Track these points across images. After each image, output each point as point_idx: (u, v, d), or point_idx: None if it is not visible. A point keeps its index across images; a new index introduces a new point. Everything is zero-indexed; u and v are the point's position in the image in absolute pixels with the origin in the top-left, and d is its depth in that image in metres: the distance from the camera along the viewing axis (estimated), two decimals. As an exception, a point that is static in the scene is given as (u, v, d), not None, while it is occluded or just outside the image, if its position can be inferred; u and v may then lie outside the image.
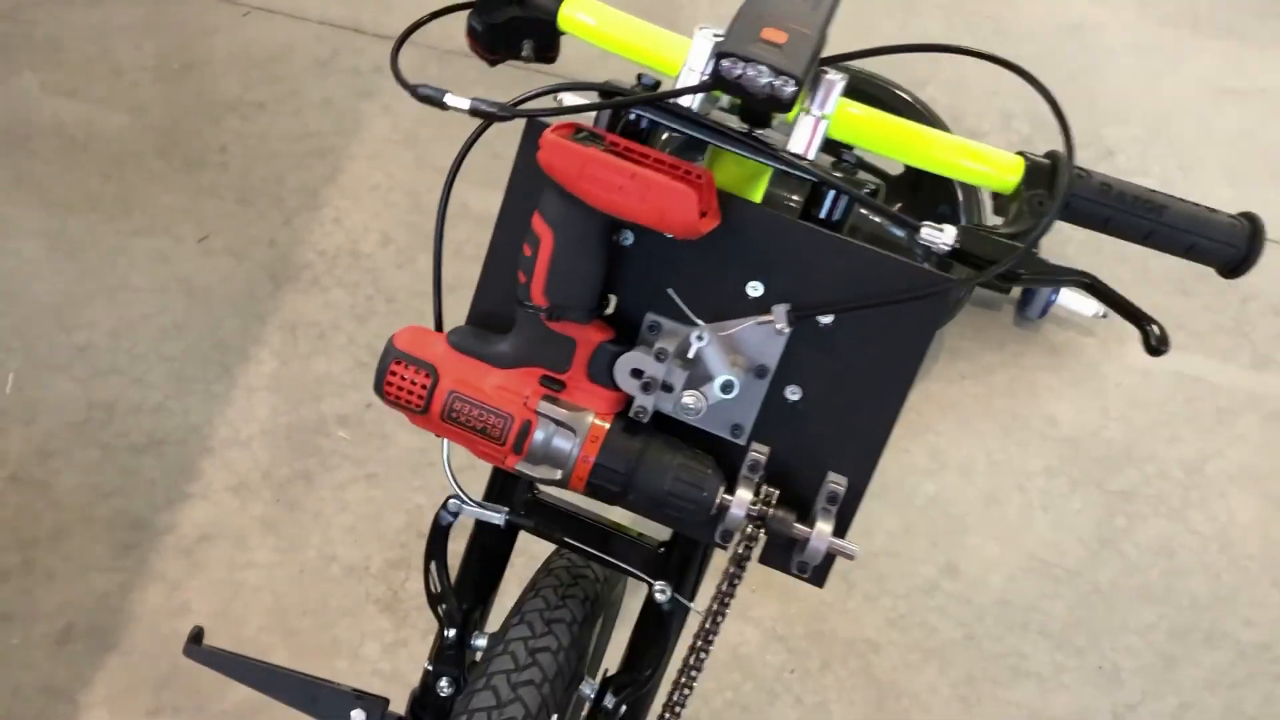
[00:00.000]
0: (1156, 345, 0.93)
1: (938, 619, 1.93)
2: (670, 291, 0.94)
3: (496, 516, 1.08)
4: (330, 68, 2.68)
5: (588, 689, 1.14)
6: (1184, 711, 1.88)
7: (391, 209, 2.38)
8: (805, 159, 0.93)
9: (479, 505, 1.08)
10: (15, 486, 1.95)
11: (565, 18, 1.00)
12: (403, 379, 0.96)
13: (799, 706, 1.83)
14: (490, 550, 1.13)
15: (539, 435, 0.94)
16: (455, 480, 1.05)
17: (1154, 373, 2.28)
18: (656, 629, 1.08)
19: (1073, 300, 2.23)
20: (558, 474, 0.95)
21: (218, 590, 1.87)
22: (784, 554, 1.00)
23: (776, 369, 0.96)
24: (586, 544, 1.09)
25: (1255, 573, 2.05)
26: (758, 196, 1.00)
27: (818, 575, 1.01)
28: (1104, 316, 2.28)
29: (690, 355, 0.93)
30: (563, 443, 0.94)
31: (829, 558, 0.96)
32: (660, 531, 1.09)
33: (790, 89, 0.83)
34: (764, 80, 0.84)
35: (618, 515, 1.10)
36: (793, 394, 0.97)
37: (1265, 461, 2.18)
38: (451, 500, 1.07)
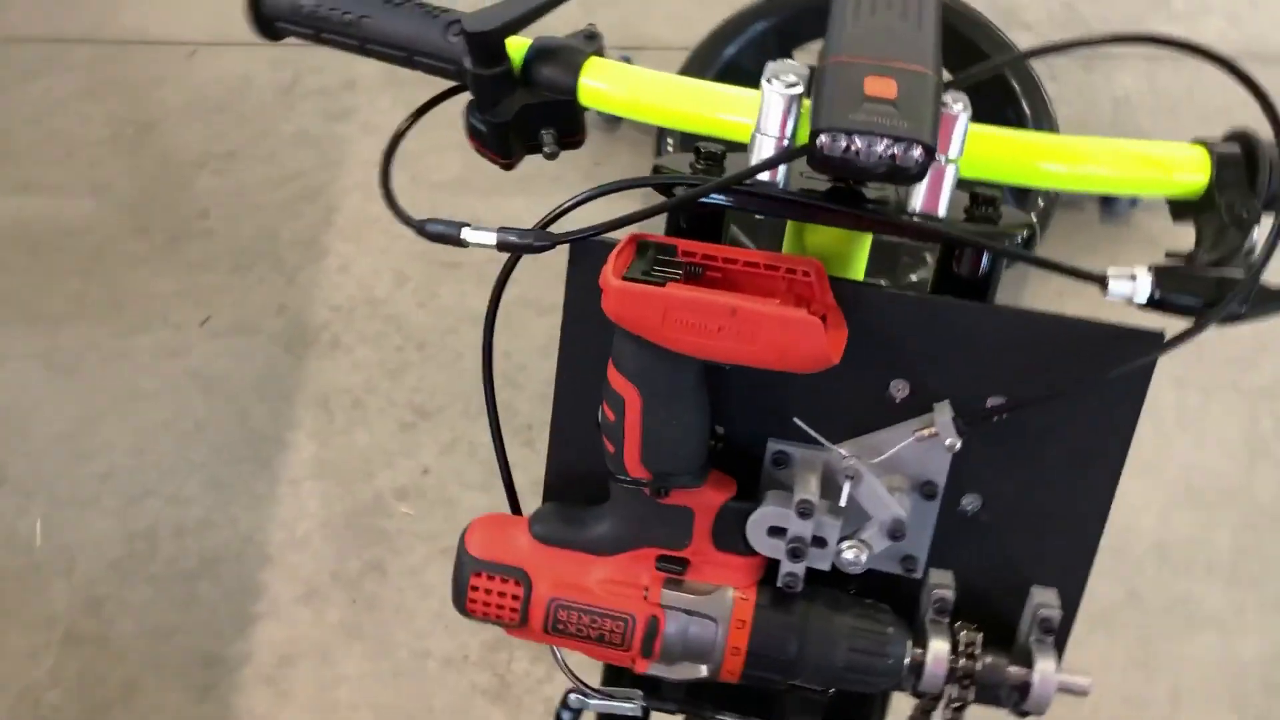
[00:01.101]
0: None
1: (1094, 581, 1.74)
2: (798, 421, 0.74)
3: (631, 707, 0.89)
4: (294, 94, 2.44)
5: None
6: (1387, 628, 1.70)
7: (398, 241, 2.17)
8: (939, 220, 0.71)
9: (605, 695, 0.89)
10: (72, 648, 1.79)
11: (587, 90, 0.76)
12: (488, 593, 0.77)
13: None
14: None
15: (671, 630, 0.75)
16: (567, 668, 0.86)
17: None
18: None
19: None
20: (703, 670, 0.76)
21: (312, 716, 1.72)
22: (993, 693, 0.81)
23: (947, 485, 0.75)
24: (749, 713, 0.90)
25: None
26: (860, 270, 0.79)
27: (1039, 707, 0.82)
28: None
29: (842, 503, 0.73)
30: (701, 633, 0.75)
31: (1050, 689, 0.76)
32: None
33: (917, 155, 0.61)
34: (881, 150, 0.61)
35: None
36: (971, 505, 0.77)
37: None
38: (572, 696, 0.88)
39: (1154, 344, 0.70)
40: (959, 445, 0.72)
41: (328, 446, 1.96)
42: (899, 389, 0.75)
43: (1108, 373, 0.70)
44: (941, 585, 0.77)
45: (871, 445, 0.75)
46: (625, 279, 0.66)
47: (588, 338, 0.76)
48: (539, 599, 0.76)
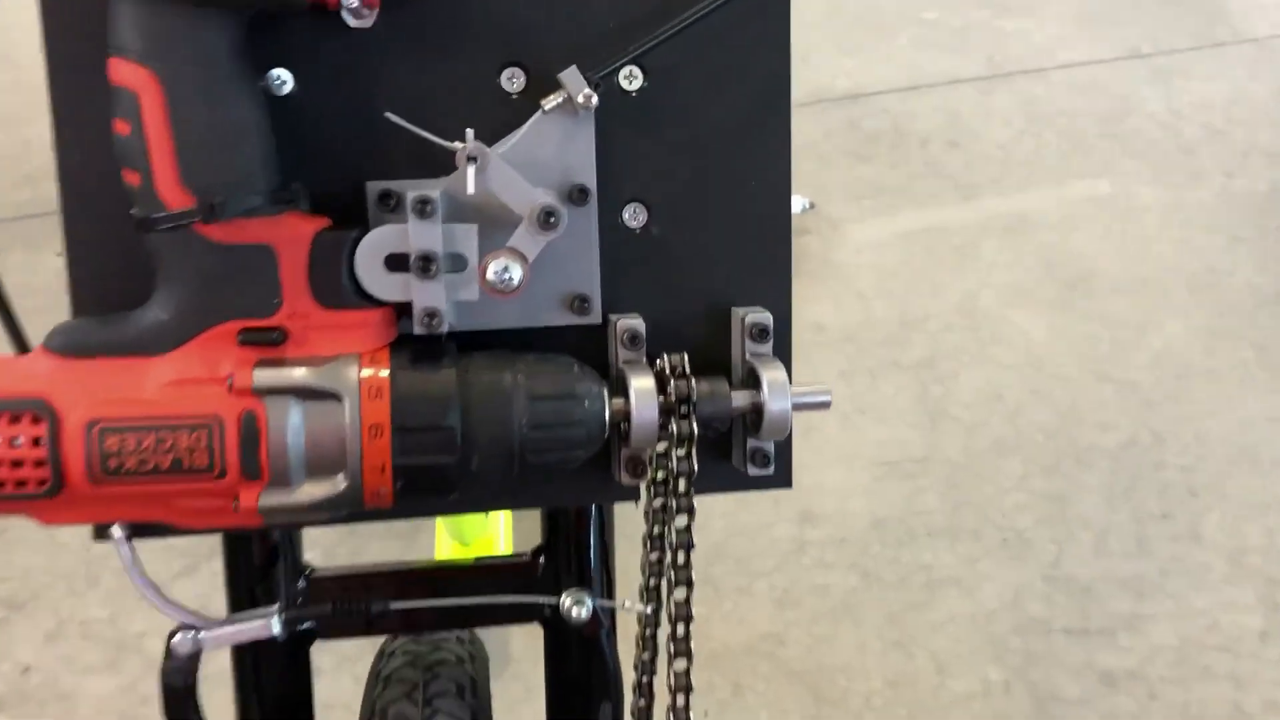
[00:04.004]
0: None
1: (823, 575, 1.62)
2: (391, 116, 0.56)
3: (266, 625, 0.63)
4: None
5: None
6: (1103, 540, 1.67)
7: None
8: None
9: (230, 622, 0.63)
10: None
11: None
12: (-7, 450, 0.51)
13: (733, 749, 1.44)
14: (276, 684, 0.68)
15: (276, 428, 0.52)
16: (160, 595, 0.60)
17: (884, 241, 2.11)
18: (587, 658, 0.68)
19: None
20: (340, 482, 0.54)
21: None
22: (719, 462, 0.64)
23: (599, 184, 0.60)
24: (426, 610, 0.67)
25: (1079, 378, 1.89)
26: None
27: (783, 467, 0.65)
28: (811, 208, 2.08)
29: (470, 191, 0.55)
30: (324, 420, 0.53)
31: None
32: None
33: None
34: None
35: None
36: (635, 217, 0.62)
37: (1024, 275, 2.06)
38: (180, 633, 0.61)
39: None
40: (595, 100, 0.57)
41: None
42: (513, 79, 0.59)
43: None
44: (627, 318, 0.61)
45: (495, 147, 0.59)
46: None
47: (81, 43, 0.55)
48: (73, 431, 0.52)
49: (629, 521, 0.68)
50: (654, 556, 0.62)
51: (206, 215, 0.51)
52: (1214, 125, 2.43)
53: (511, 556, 0.69)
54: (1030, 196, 2.23)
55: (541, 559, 0.69)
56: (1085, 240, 2.13)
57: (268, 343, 0.54)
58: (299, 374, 0.53)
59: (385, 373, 0.54)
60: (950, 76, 2.53)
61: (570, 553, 0.68)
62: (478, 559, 0.70)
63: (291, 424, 0.53)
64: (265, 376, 0.53)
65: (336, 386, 0.53)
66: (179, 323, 0.53)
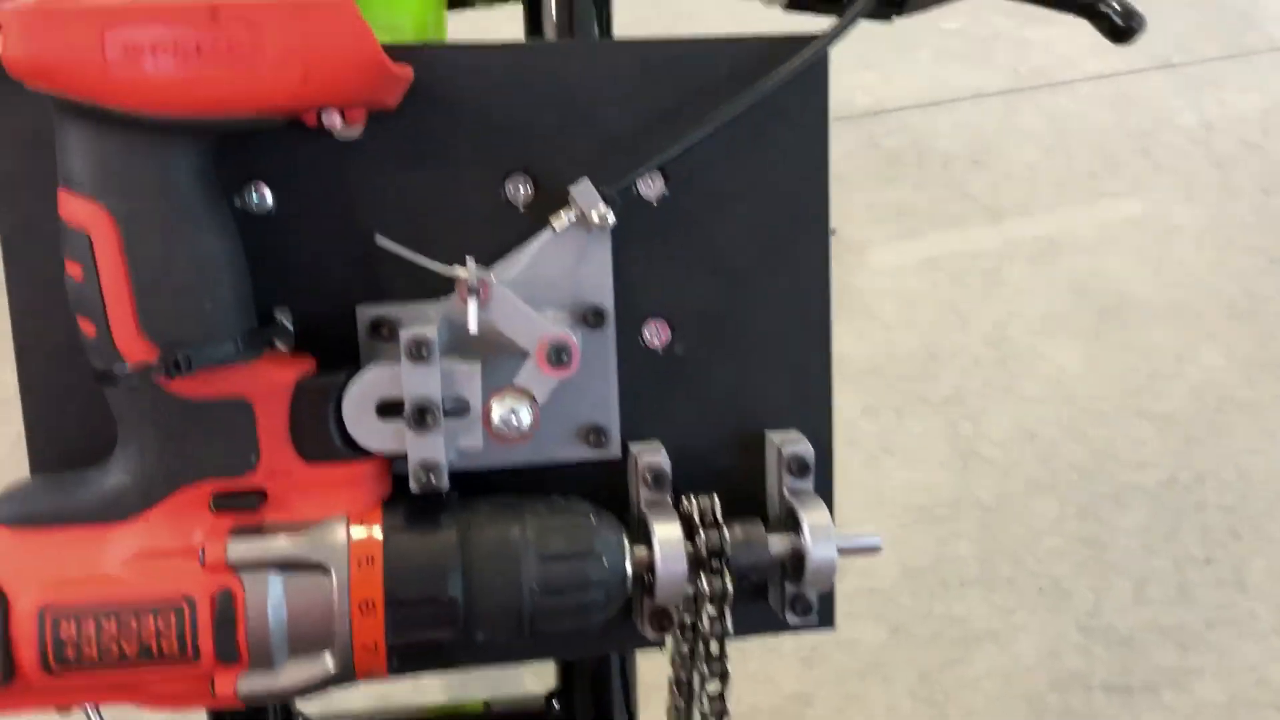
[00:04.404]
0: (1125, 25, 0.59)
1: (853, 628, 1.55)
2: (381, 239, 0.50)
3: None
4: None
5: None
6: (1143, 588, 1.60)
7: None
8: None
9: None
10: None
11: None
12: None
13: (761, 818, 1.38)
14: None
15: (256, 607, 0.46)
16: None
17: (907, 267, 2.03)
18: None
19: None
20: (328, 663, 0.47)
21: None
22: (753, 601, 0.57)
23: (616, 303, 0.53)
24: None
25: (1115, 413, 1.82)
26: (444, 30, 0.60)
27: (826, 608, 0.59)
28: (831, 233, 2.01)
29: (473, 329, 0.48)
30: (309, 595, 0.47)
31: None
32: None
33: None
34: None
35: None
36: (656, 336, 0.55)
37: (1055, 302, 1.98)
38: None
39: (817, 40, 0.53)
40: (612, 219, 0.51)
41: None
42: (519, 188, 0.53)
43: (777, 80, 0.52)
44: (649, 453, 0.54)
45: (499, 271, 0.52)
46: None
47: (28, 202, 0.49)
48: (22, 618, 0.45)
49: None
50: (681, 704, 0.56)
51: (171, 370, 0.45)
52: (1249, 139, 2.35)
53: (524, 701, 0.62)
54: (1059, 218, 2.15)
55: (557, 704, 0.63)
56: (1118, 264, 2.05)
57: (244, 507, 0.47)
58: (280, 545, 0.47)
59: (378, 536, 0.48)
60: (974, 90, 2.45)
61: (588, 701, 0.62)
62: (488, 705, 0.63)
63: (272, 602, 0.46)
64: (242, 549, 0.46)
65: (322, 557, 0.47)
66: (143, 486, 0.47)
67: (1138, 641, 1.54)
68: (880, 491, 1.71)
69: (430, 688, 1.06)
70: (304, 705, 0.63)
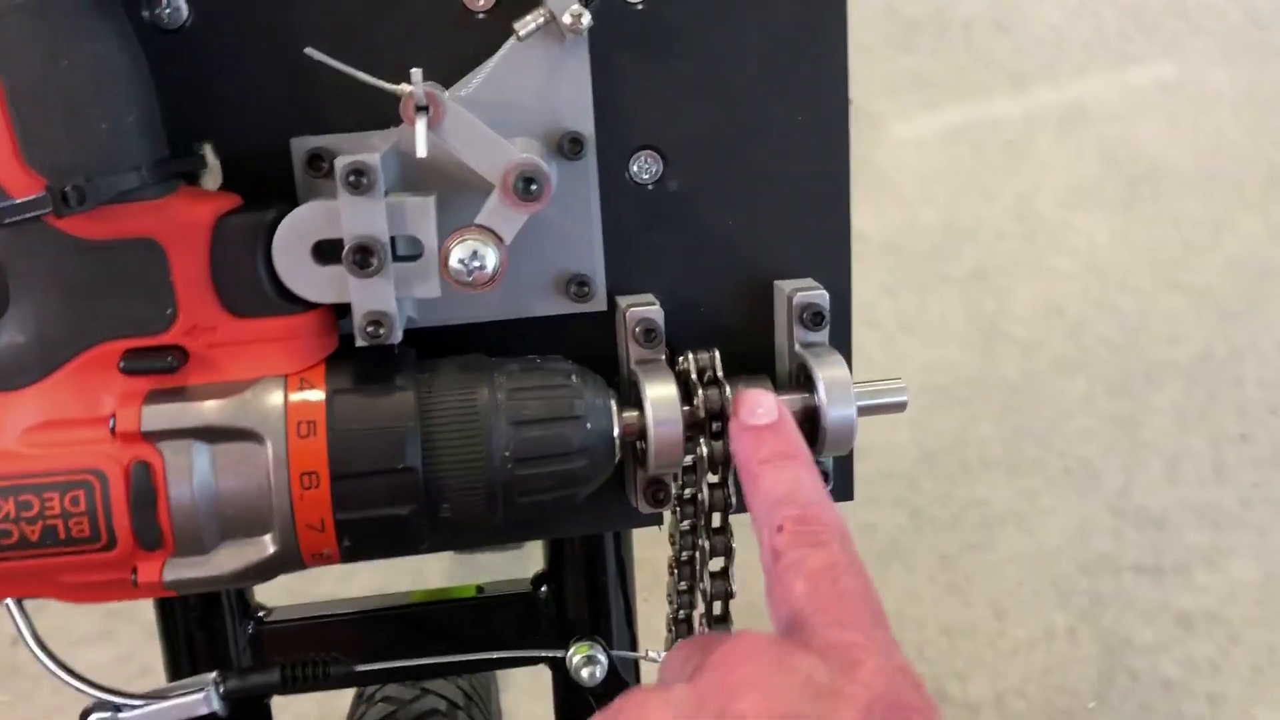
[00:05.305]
0: None
1: (870, 513, 1.49)
2: (312, 51, 0.41)
3: (204, 699, 0.51)
4: None
5: None
6: (1175, 467, 1.54)
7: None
8: None
9: (157, 697, 0.51)
10: None
11: None
12: None
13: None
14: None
15: (178, 482, 0.39)
16: (66, 669, 0.47)
17: (926, 140, 1.93)
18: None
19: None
20: (267, 545, 0.41)
21: None
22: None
23: (598, 129, 0.45)
24: (407, 657, 0.55)
25: (1147, 287, 1.74)
26: None
27: (844, 478, 0.52)
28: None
29: (421, 152, 0.40)
30: (240, 466, 0.40)
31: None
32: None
33: None
34: None
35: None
36: (646, 170, 0.47)
37: (1084, 173, 1.88)
38: (94, 715, 0.49)
39: None
40: (588, 20, 0.43)
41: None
42: (477, -4, 0.45)
43: None
44: (639, 305, 0.47)
45: (456, 88, 0.44)
46: None
47: None
48: (-92, 499, 0.39)
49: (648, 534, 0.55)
50: (683, 585, 0.50)
51: (61, 204, 0.38)
52: (1290, -5, 2.21)
53: (507, 587, 0.56)
54: (1088, 84, 2.04)
55: (544, 589, 0.56)
56: (1150, 132, 1.95)
57: (161, 369, 0.41)
58: (204, 409, 0.40)
59: (319, 398, 0.41)
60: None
61: (579, 585, 0.55)
62: (480, 589, 0.57)
63: (198, 475, 0.40)
64: (159, 415, 0.40)
65: (254, 423, 0.40)
66: (41, 347, 0.40)
67: (1170, 522, 1.48)
68: (898, 372, 1.63)
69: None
70: (276, 597, 0.57)
